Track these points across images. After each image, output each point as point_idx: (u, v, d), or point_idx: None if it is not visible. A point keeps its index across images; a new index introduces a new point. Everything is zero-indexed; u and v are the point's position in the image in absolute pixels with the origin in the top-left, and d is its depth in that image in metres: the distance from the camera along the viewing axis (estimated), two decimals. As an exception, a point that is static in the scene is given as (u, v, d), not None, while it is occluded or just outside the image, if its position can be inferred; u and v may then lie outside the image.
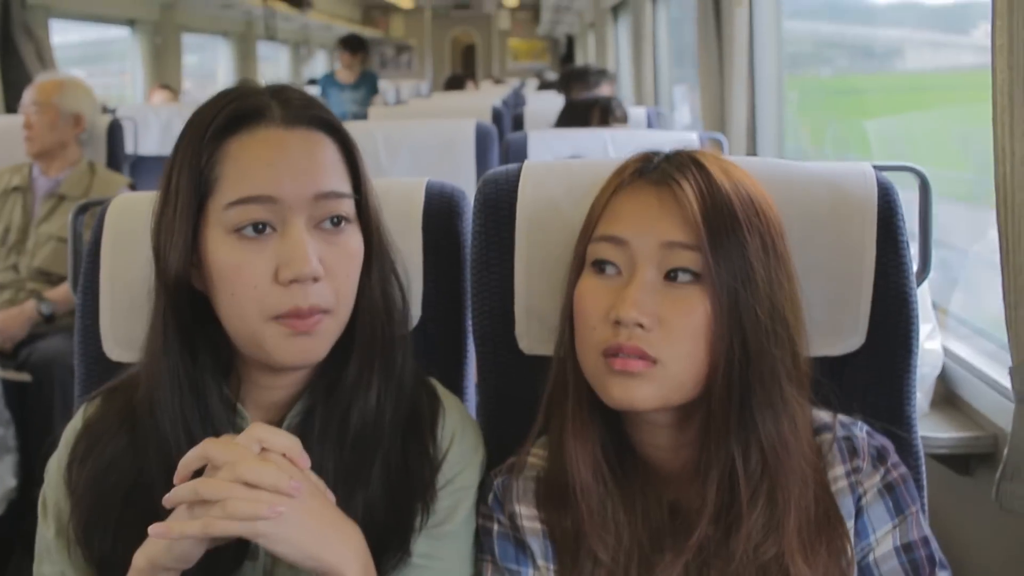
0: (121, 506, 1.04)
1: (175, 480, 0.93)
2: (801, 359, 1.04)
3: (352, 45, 7.99)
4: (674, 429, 1.05)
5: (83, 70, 6.85)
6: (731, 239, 0.99)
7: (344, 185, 1.04)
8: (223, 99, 1.04)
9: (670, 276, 1.00)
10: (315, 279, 1.00)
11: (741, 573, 1.00)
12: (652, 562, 1.03)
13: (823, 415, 1.09)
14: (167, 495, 0.93)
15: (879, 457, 1.07)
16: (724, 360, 0.99)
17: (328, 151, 1.04)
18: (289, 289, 0.99)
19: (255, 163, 1.00)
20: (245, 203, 0.99)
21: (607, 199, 1.06)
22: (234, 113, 1.02)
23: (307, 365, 1.06)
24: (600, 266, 1.04)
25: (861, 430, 1.08)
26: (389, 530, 1.04)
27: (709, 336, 0.99)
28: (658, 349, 0.99)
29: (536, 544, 1.08)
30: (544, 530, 1.08)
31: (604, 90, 4.22)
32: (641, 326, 0.98)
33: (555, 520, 1.07)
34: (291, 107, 1.03)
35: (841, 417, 1.09)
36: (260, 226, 0.99)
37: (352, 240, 1.05)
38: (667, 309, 0.99)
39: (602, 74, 4.56)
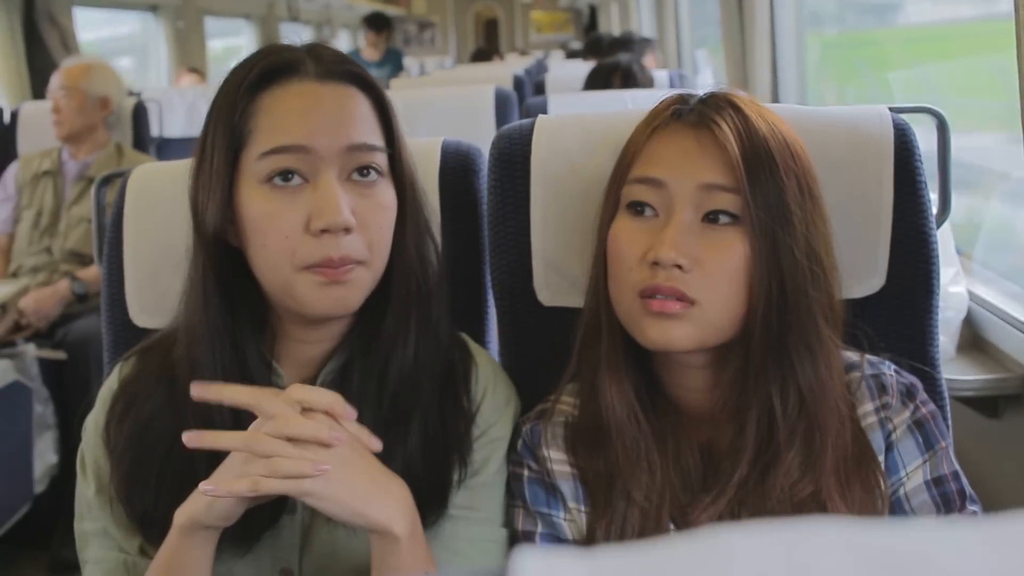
0: (161, 463, 1.05)
1: (223, 399, 0.95)
2: (836, 300, 1.04)
3: (376, 24, 7.99)
4: (708, 370, 1.06)
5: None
6: (769, 181, 0.99)
7: (377, 138, 1.05)
8: (258, 55, 1.05)
9: (708, 218, 1.00)
10: (347, 230, 1.00)
11: (776, 511, 1.01)
12: (683, 502, 1.04)
13: (850, 355, 1.09)
14: (211, 435, 0.94)
15: (908, 394, 1.07)
16: (763, 302, 0.99)
17: (361, 105, 1.05)
18: (320, 239, 0.99)
19: (288, 114, 1.01)
20: (278, 153, 1.00)
21: (643, 141, 1.06)
22: (268, 67, 1.03)
23: (341, 315, 1.06)
24: (636, 207, 1.03)
25: (889, 368, 1.09)
26: (428, 485, 1.05)
27: (747, 278, 1.00)
28: (696, 290, 0.99)
29: (567, 487, 1.09)
30: (574, 473, 1.09)
31: (648, 61, 4.12)
32: (680, 267, 0.98)
33: (587, 463, 1.07)
34: (324, 62, 1.04)
35: (869, 356, 1.09)
36: (290, 175, 1.00)
37: (385, 193, 1.05)
38: (705, 251, 0.99)
39: (647, 42, 4.45)
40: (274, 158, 1.00)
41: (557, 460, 1.10)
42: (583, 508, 1.08)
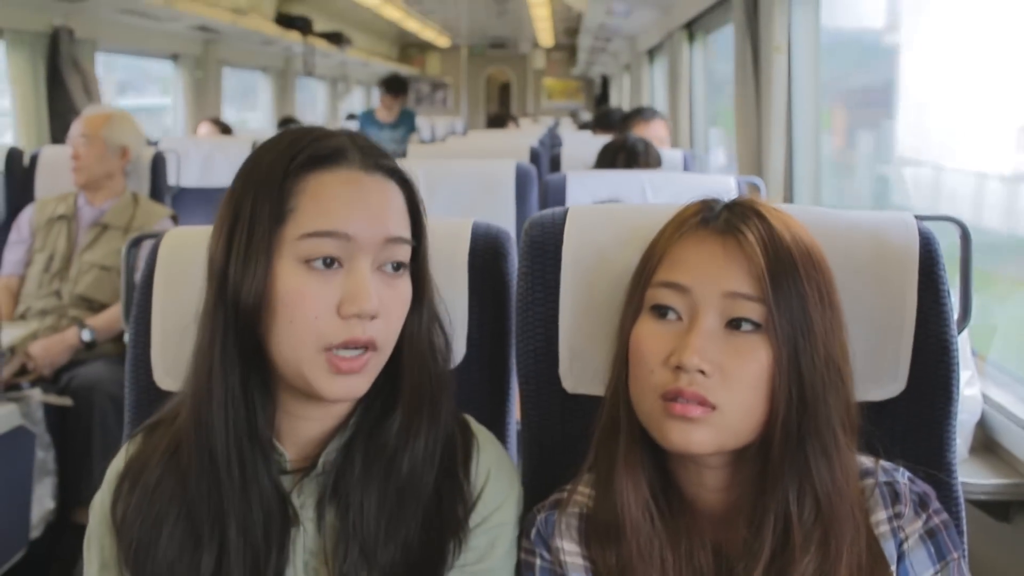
0: (171, 526, 1.06)
1: None
2: (852, 405, 1.06)
3: (394, 88, 8.07)
4: (724, 471, 1.07)
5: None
6: (792, 290, 1.02)
7: (408, 232, 1.08)
8: (303, 138, 1.07)
9: (731, 324, 1.02)
10: (372, 317, 1.03)
11: None
12: None
13: (865, 460, 1.10)
14: None
15: (921, 503, 1.07)
16: (783, 408, 1.01)
17: (398, 199, 1.08)
18: (348, 322, 1.02)
19: (335, 200, 1.03)
20: (321, 236, 1.02)
21: (669, 244, 1.08)
22: (316, 152, 1.05)
23: (349, 400, 1.08)
24: (660, 310, 1.05)
25: (903, 476, 1.09)
26: (423, 566, 1.06)
27: (768, 384, 1.01)
28: (717, 396, 1.00)
29: None
30: (587, 566, 1.09)
31: (658, 128, 4.17)
32: (702, 373, 1.00)
33: (600, 557, 1.08)
34: (370, 154, 1.07)
35: (883, 463, 1.10)
36: (329, 260, 1.02)
37: (406, 285, 1.09)
38: (728, 357, 1.01)
39: (654, 112, 4.53)
40: (316, 241, 1.02)
41: (570, 552, 1.10)
42: None
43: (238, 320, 1.04)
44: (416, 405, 1.10)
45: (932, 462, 1.21)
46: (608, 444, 1.10)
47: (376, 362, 1.06)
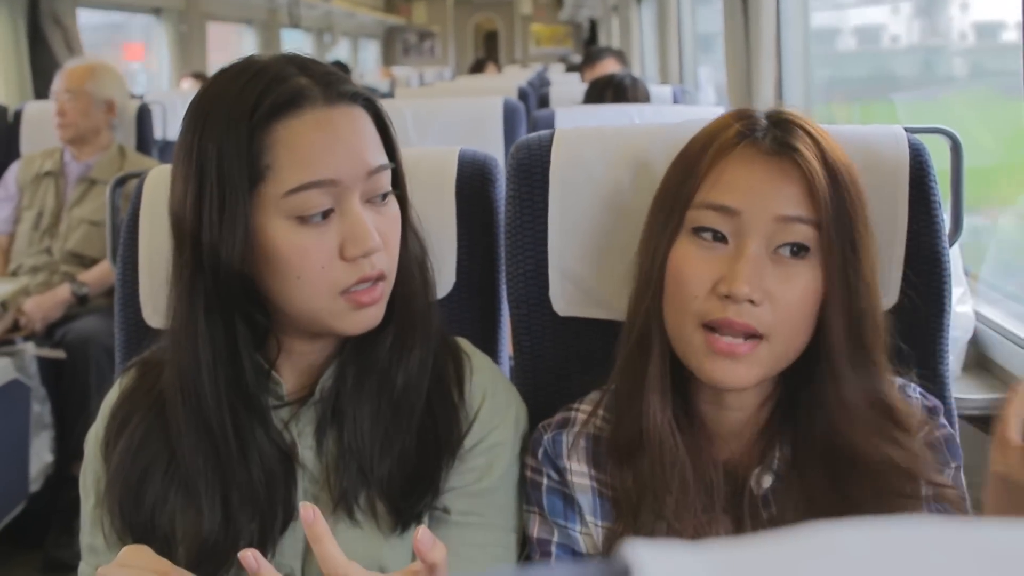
0: (157, 484, 1.06)
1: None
2: (885, 325, 1.05)
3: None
4: (747, 393, 1.05)
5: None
6: (848, 212, 0.99)
7: (384, 157, 1.07)
8: (256, 84, 1.02)
9: (780, 249, 0.99)
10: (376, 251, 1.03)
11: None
12: (704, 520, 1.04)
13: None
14: None
15: (930, 415, 1.08)
16: (835, 330, 0.99)
17: (369, 125, 1.06)
18: (355, 263, 1.02)
19: (312, 147, 1.01)
20: (308, 189, 1.00)
21: (708, 162, 1.02)
22: (277, 99, 1.01)
23: (369, 330, 1.07)
24: (704, 233, 1.01)
25: (915, 391, 1.09)
26: (419, 482, 1.07)
27: (813, 308, 0.99)
28: (766, 325, 0.98)
29: (586, 501, 1.09)
30: (594, 487, 1.09)
31: (609, 65, 4.24)
32: (751, 302, 0.97)
33: (616, 477, 1.07)
34: (329, 84, 1.04)
35: (896, 378, 1.09)
36: (322, 212, 1.01)
37: (394, 208, 1.08)
38: (776, 284, 0.98)
39: (605, 51, 4.61)
40: (304, 195, 1.00)
41: (577, 472, 1.10)
42: (600, 522, 1.08)
43: (220, 286, 1.02)
44: (407, 321, 1.10)
45: (926, 375, 1.21)
46: (634, 365, 1.06)
47: (387, 289, 1.06)
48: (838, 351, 1.00)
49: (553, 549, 1.09)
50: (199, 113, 1.03)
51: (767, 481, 1.05)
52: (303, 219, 1.00)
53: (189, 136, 1.03)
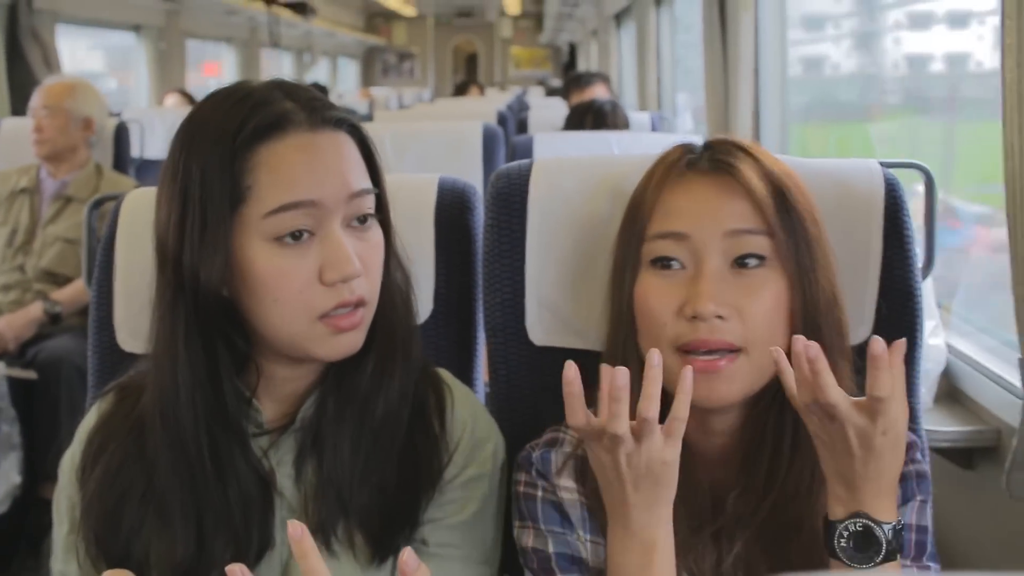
0: (134, 509, 1.05)
1: None
2: (847, 333, 1.07)
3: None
4: (731, 415, 1.06)
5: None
6: (794, 215, 1.02)
7: (367, 181, 1.07)
8: (241, 108, 1.02)
9: (737, 263, 1.02)
10: (356, 276, 1.02)
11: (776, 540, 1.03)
12: (690, 541, 1.05)
13: None
14: None
15: (907, 450, 1.08)
16: (802, 333, 1.00)
17: (352, 149, 1.06)
18: (334, 288, 1.01)
19: (293, 169, 1.01)
20: (287, 210, 1.00)
21: (656, 195, 1.06)
22: (261, 122, 1.01)
23: (348, 356, 1.07)
24: (661, 263, 1.04)
25: None
26: (397, 514, 1.07)
27: (785, 314, 1.01)
28: (741, 337, 1.00)
29: (575, 515, 1.09)
30: (583, 502, 1.09)
31: (598, 91, 4.26)
32: (720, 318, 0.99)
33: (598, 496, 1.06)
34: (314, 109, 1.04)
35: None
36: (299, 233, 1.01)
37: (377, 234, 1.08)
38: (741, 296, 1.00)
39: (595, 76, 4.61)
40: (283, 216, 1.00)
41: (566, 488, 1.10)
42: (589, 537, 1.08)
43: (200, 308, 1.02)
44: (388, 349, 1.10)
45: (898, 408, 1.22)
46: None
47: (368, 315, 1.06)
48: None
49: (553, 561, 1.08)
50: (186, 135, 1.04)
51: (740, 501, 1.05)
52: (283, 241, 1.00)
53: (175, 158, 1.03)
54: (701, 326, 0.99)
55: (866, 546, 0.97)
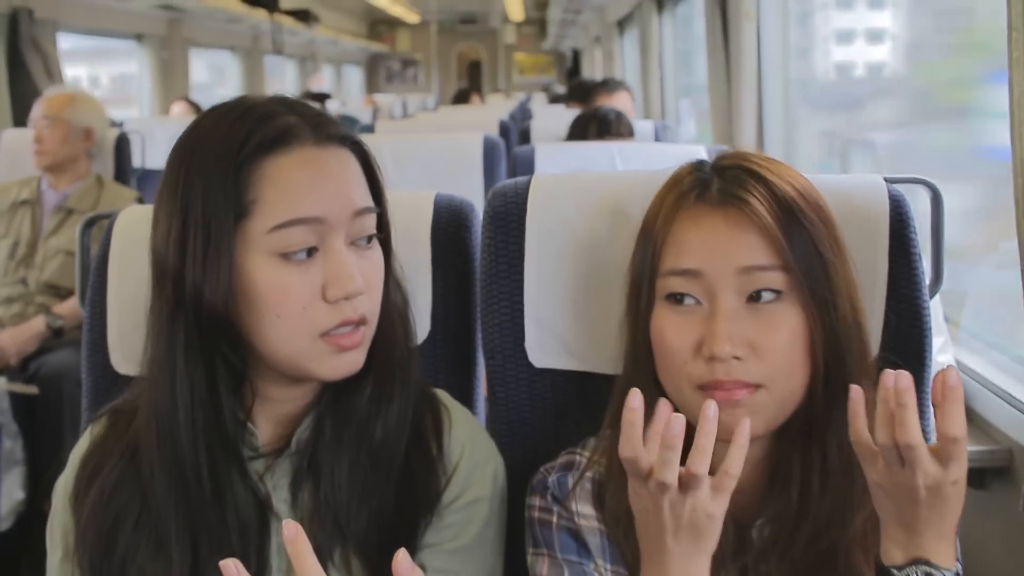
0: (128, 533, 1.03)
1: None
2: (871, 360, 1.04)
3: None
4: (754, 447, 1.02)
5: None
6: (809, 245, 0.98)
7: (370, 200, 1.06)
8: (244, 121, 1.01)
9: (752, 298, 0.99)
10: (358, 295, 1.01)
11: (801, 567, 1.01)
12: (716, 570, 1.02)
13: None
14: None
15: None
16: (822, 365, 0.99)
17: (356, 167, 1.05)
18: (337, 305, 1.00)
19: (298, 184, 1.00)
20: (292, 225, 0.99)
21: (666, 227, 1.03)
22: (265, 136, 1.00)
23: (349, 375, 1.05)
24: (676, 298, 1.01)
25: None
26: (395, 538, 1.03)
27: (804, 347, 0.99)
28: (759, 375, 0.97)
29: (594, 542, 1.07)
30: (602, 530, 1.07)
31: (622, 99, 4.17)
32: (737, 358, 0.97)
33: (620, 526, 1.04)
34: (319, 125, 1.03)
35: None
36: (303, 249, 0.99)
37: (378, 253, 1.07)
38: (758, 333, 0.98)
39: (620, 84, 4.50)
40: (288, 231, 0.99)
41: (585, 515, 1.08)
42: (609, 566, 1.06)
43: (201, 325, 1.00)
44: (387, 370, 1.08)
45: (906, 429, 1.20)
46: None
47: (369, 334, 1.04)
48: (820, 390, 0.99)
49: None
50: (185, 150, 1.02)
51: (768, 532, 1.03)
52: (287, 257, 0.99)
53: (174, 173, 1.02)
54: (718, 367, 0.97)
55: None
